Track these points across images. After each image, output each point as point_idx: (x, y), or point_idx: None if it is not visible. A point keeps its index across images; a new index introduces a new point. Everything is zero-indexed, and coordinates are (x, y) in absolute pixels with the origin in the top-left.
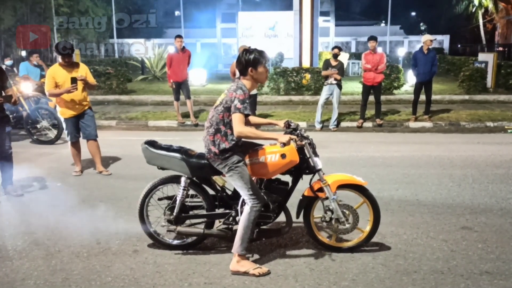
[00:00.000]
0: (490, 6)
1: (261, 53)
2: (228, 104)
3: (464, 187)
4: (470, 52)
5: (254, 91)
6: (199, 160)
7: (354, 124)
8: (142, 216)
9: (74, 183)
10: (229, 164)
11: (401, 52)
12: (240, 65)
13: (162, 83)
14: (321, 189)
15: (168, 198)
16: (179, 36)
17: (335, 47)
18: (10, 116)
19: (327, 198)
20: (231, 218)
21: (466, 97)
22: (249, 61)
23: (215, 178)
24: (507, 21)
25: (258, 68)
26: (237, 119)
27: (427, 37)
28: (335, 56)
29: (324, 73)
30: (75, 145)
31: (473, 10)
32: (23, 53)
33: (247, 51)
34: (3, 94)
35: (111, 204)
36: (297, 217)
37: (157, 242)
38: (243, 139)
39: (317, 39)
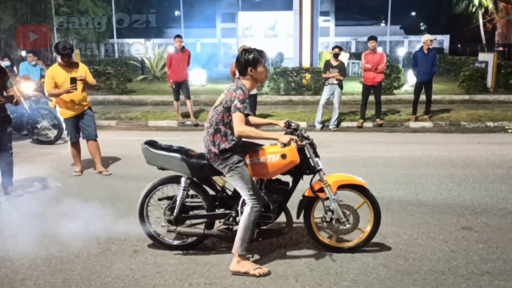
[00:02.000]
0: (490, 6)
1: (260, 52)
2: (228, 104)
3: (465, 187)
4: (470, 52)
5: (254, 91)
6: (199, 160)
7: (354, 124)
8: (142, 216)
9: (74, 183)
10: (229, 164)
11: (401, 52)
12: (239, 65)
13: (162, 83)
14: (321, 189)
15: (168, 198)
16: (179, 36)
17: (336, 46)
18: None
19: (327, 198)
20: (231, 219)
21: (466, 97)
22: (249, 61)
23: (215, 178)
24: (507, 21)
25: (258, 68)
26: (237, 119)
27: (427, 37)
28: (336, 55)
29: (325, 75)
30: (75, 145)
31: (473, 10)
32: (23, 53)
33: (246, 51)
34: (5, 94)
35: (111, 204)
36: (298, 217)
37: (157, 243)
38: (243, 139)
39: (317, 39)
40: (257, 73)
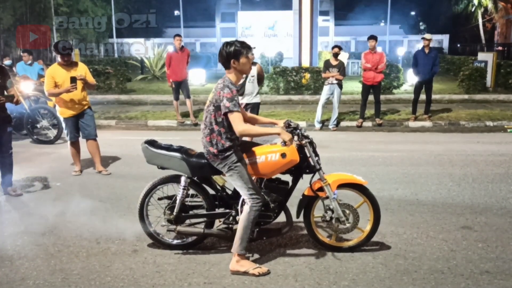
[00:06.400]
0: (490, 5)
1: (242, 43)
2: (217, 102)
3: (464, 186)
4: (470, 51)
5: (256, 99)
6: (199, 160)
7: (354, 123)
8: (142, 216)
9: (73, 182)
10: (228, 163)
11: (401, 51)
12: (222, 59)
13: (162, 83)
14: (321, 189)
15: (168, 197)
16: (178, 35)
17: (335, 46)
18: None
19: (327, 197)
20: (231, 218)
21: (466, 96)
22: (230, 53)
23: (215, 177)
24: (507, 20)
25: (241, 59)
26: (234, 118)
27: (424, 36)
28: (336, 55)
29: (325, 75)
30: (75, 144)
31: (473, 9)
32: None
33: (227, 43)
34: (5, 93)
35: (111, 204)
36: (297, 216)
37: (157, 242)
38: (244, 139)
39: (317, 38)
40: (240, 64)
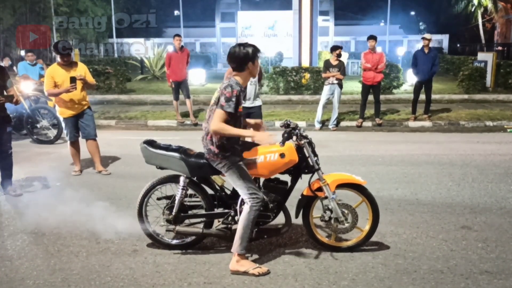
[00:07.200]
0: (489, 5)
1: (255, 46)
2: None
3: (464, 186)
4: (470, 51)
5: (258, 103)
6: (198, 160)
7: (354, 123)
8: (141, 216)
9: (73, 182)
10: (228, 163)
11: (401, 51)
12: (237, 60)
13: (162, 83)
14: (320, 189)
15: (167, 197)
16: (178, 35)
17: (338, 47)
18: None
19: (326, 197)
20: (230, 218)
21: (466, 96)
22: (248, 55)
23: (214, 177)
24: (506, 20)
25: (255, 61)
26: (217, 115)
27: (424, 36)
28: (339, 55)
29: (325, 75)
30: (74, 144)
31: (472, 9)
32: (22, 53)
33: (242, 45)
34: (5, 93)
35: (110, 204)
36: (296, 216)
37: (156, 242)
38: (243, 140)
39: (317, 38)
40: (254, 66)
